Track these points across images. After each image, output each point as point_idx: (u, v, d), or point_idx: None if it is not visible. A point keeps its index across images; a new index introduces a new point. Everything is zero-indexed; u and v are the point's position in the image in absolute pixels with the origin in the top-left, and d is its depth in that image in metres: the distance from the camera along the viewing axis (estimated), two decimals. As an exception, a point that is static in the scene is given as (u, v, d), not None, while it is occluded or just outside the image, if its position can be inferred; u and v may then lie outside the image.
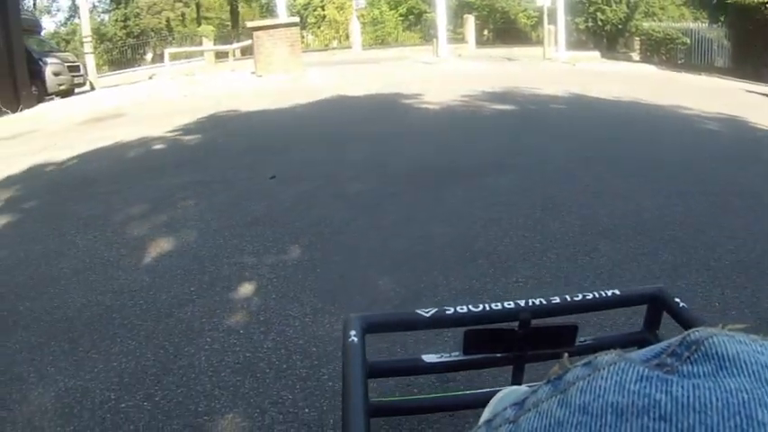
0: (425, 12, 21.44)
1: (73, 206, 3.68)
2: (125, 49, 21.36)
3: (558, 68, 13.01)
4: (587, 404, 0.25)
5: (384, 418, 1.47)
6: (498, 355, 1.19)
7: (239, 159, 4.73)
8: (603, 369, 0.26)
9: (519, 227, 2.91)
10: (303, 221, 3.07)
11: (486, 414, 0.74)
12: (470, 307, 1.17)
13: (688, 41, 15.93)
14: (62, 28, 27.39)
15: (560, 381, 0.28)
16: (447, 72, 11.62)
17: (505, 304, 1.16)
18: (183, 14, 26.40)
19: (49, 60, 11.56)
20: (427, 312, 1.17)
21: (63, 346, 2.02)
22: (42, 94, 11.21)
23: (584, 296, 1.20)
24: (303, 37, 21.57)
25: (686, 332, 0.27)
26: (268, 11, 23.16)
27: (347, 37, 21.18)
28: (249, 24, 12.71)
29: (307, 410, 1.57)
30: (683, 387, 0.23)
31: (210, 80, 11.66)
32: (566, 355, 0.31)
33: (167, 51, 14.36)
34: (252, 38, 11.53)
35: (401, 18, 22.80)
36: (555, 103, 7.66)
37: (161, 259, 2.73)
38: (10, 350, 2.01)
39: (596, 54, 16.53)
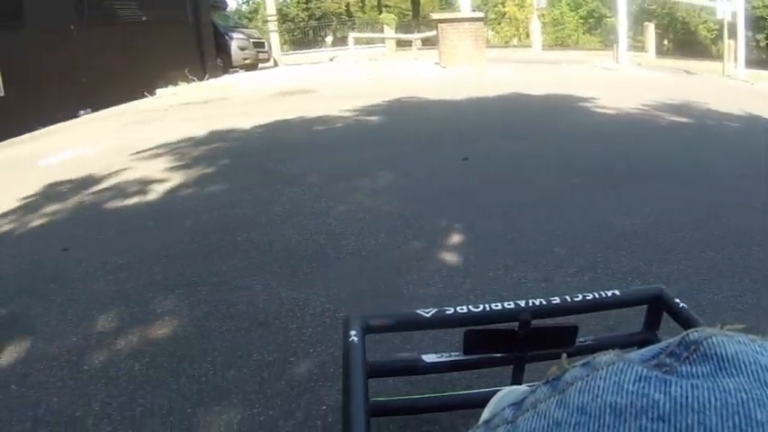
0: (606, 16, 20.58)
1: (273, 165, 4.13)
2: (307, 30, 21.78)
3: (736, 86, 11.65)
4: (586, 404, 0.25)
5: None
6: (498, 355, 1.19)
7: (428, 142, 4.86)
8: (602, 369, 0.26)
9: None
10: (493, 200, 3.28)
11: (486, 414, 0.74)
12: (470, 307, 1.17)
13: None
14: (244, 6, 28.27)
15: (559, 381, 0.28)
16: (626, 79, 11.04)
17: (505, 305, 1.16)
18: (362, 1, 26.85)
19: (234, 35, 12.35)
20: (428, 312, 1.17)
21: (283, 269, 2.40)
22: (227, 67, 12.11)
23: (584, 297, 1.20)
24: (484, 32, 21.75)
25: (685, 332, 0.27)
26: (447, 3, 23.26)
27: (527, 35, 20.65)
28: (434, 16, 12.86)
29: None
30: (681, 387, 0.23)
31: (393, 67, 11.89)
32: (564, 355, 0.31)
33: (352, 35, 14.75)
34: (436, 29, 11.66)
35: (581, 21, 22.30)
36: (729, 120, 6.92)
37: (367, 213, 3.08)
38: (233, 268, 2.43)
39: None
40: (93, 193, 3.93)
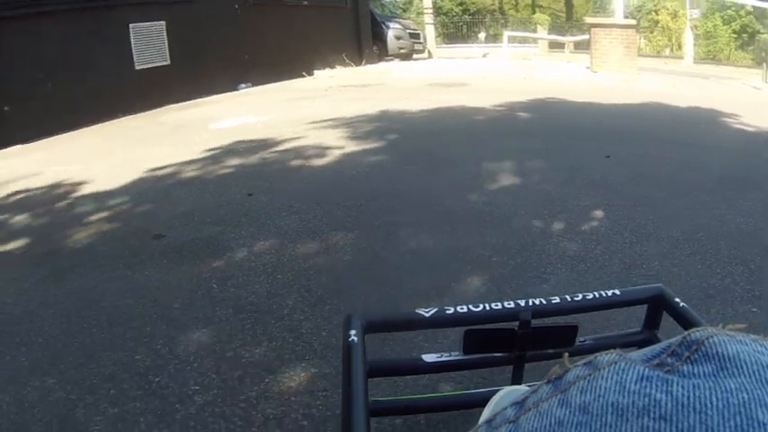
0: (759, 32, 19.42)
1: (436, 146, 4.56)
2: (460, 24, 21.81)
3: None
4: (588, 404, 0.25)
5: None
6: (498, 355, 1.19)
7: (573, 139, 5.05)
8: (604, 369, 0.26)
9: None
10: (629, 192, 3.51)
11: (486, 414, 0.74)
12: (471, 307, 1.17)
13: None
14: None
15: (561, 380, 0.28)
16: None
17: (505, 304, 1.16)
18: (516, 0, 26.48)
19: (391, 25, 12.68)
20: (427, 312, 1.17)
21: (443, 226, 2.84)
22: (383, 55, 12.48)
23: (584, 296, 1.20)
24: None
25: (686, 332, 0.27)
26: (601, 8, 22.83)
27: (679, 46, 20.17)
28: (588, 20, 12.79)
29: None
30: (683, 387, 0.23)
31: (545, 67, 11.87)
32: (566, 354, 0.30)
33: (507, 33, 14.77)
34: (589, 33, 11.61)
35: (734, 35, 21.34)
36: None
37: (515, 191, 3.46)
38: (402, 221, 2.90)
39: None
40: (272, 152, 4.49)
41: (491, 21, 22.76)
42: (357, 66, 11.09)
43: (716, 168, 4.28)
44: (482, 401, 0.81)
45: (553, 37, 17.68)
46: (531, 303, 1.16)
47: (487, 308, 1.16)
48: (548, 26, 20.69)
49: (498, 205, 3.19)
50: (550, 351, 1.14)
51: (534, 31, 19.33)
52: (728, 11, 21.35)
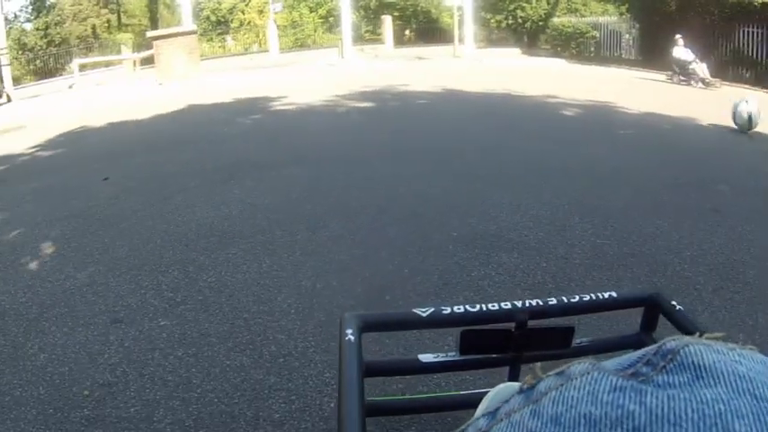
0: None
1: None
2: (47, 58, 20.04)
3: (461, 66, 13.22)
4: (560, 415, 0.24)
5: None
6: (494, 355, 1.18)
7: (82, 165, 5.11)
8: (576, 379, 0.25)
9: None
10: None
11: (480, 411, 0.74)
12: (467, 307, 1.17)
13: (597, 35, 16.11)
14: None
15: (533, 390, 0.27)
16: (341, 74, 11.89)
17: (502, 305, 1.16)
18: (108, 21, 25.31)
19: None
20: (424, 312, 1.16)
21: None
22: None
23: (580, 298, 1.20)
24: (224, 41, 21.74)
25: (662, 341, 0.27)
26: (192, 16, 22.84)
27: (267, 41, 20.61)
28: (150, 34, 13.00)
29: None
30: (657, 398, 0.23)
31: (116, 90, 11.57)
32: (537, 364, 0.30)
33: (76, 62, 14.15)
34: (153, 46, 11.87)
35: (321, 20, 22.46)
36: (421, 98, 8.14)
37: None
38: None
39: (515, 51, 16.55)
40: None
41: (83, 48, 21.09)
42: None
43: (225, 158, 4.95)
44: (477, 402, 0.81)
45: (126, 56, 16.63)
46: (527, 305, 1.16)
47: (484, 308, 1.15)
48: (132, 44, 19.71)
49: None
50: (547, 352, 1.14)
51: (119, 52, 18.26)
52: (315, -2, 21.89)
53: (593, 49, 16.16)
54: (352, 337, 1.07)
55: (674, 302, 1.18)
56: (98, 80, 14.09)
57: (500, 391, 0.73)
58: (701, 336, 0.27)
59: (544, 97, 8.18)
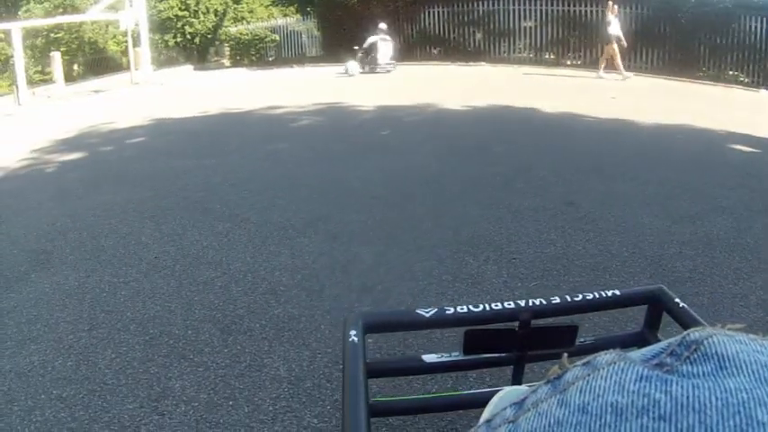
0: (11, 56, 17.23)
1: None
2: None
3: (146, 92, 12.41)
4: (587, 404, 0.25)
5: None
6: (498, 355, 1.18)
7: None
8: (603, 369, 0.26)
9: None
10: None
11: (486, 414, 0.74)
12: (470, 307, 1.17)
13: (278, 38, 16.46)
14: None
15: (560, 380, 0.28)
16: (27, 123, 9.66)
17: (506, 304, 1.16)
18: None
19: None
20: (427, 312, 1.16)
21: None
22: None
23: (584, 296, 1.20)
24: None
25: (686, 332, 0.27)
26: None
27: None
28: None
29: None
30: (682, 387, 0.23)
31: None
32: (565, 354, 0.31)
33: None
34: None
35: None
36: (134, 137, 6.95)
37: None
38: None
39: (188, 68, 16.41)
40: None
41: None
42: None
43: None
44: (482, 402, 0.81)
45: None
46: (531, 303, 1.16)
47: (487, 308, 1.15)
48: None
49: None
50: (550, 351, 1.14)
51: None
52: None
53: (273, 52, 16.57)
54: (355, 338, 1.07)
55: (677, 299, 1.18)
56: None
57: (506, 395, 0.73)
58: (723, 326, 0.28)
59: (267, 109, 8.08)
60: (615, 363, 0.26)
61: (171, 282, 2.72)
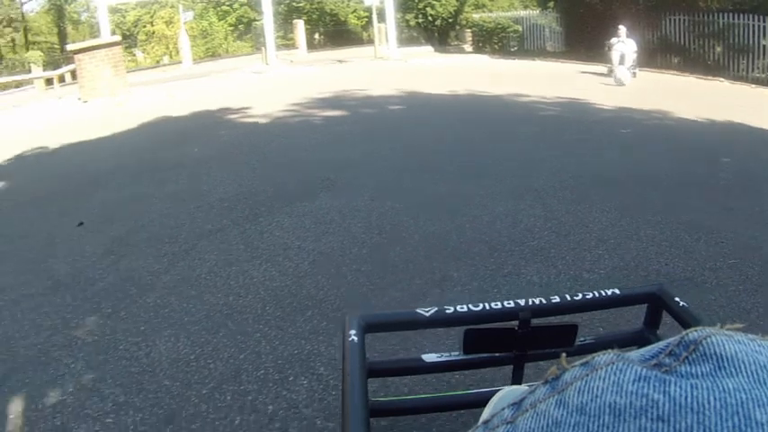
0: (255, 20, 20.46)
1: None
2: None
3: (391, 67, 13.05)
4: (585, 404, 0.25)
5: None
6: (498, 354, 1.18)
7: (43, 205, 4.22)
8: (601, 369, 0.26)
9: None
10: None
11: (485, 414, 0.74)
12: (470, 306, 1.17)
13: (520, 29, 16.25)
14: None
15: (558, 381, 0.28)
16: (277, 80, 11.48)
17: (505, 303, 1.16)
18: (13, 40, 24.26)
19: None
20: (427, 312, 1.16)
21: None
22: None
23: (583, 296, 1.20)
24: (134, 55, 20.87)
25: (684, 332, 0.27)
26: (98, 31, 21.09)
27: (177, 52, 19.78)
28: (70, 47, 11.60)
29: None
30: (680, 387, 0.23)
31: (33, 111, 10.29)
32: (563, 354, 0.30)
33: None
34: (75, 61, 10.59)
35: (231, 28, 22.19)
36: (389, 104, 7.65)
37: None
38: None
39: (429, 49, 16.61)
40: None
41: None
42: None
43: (229, 194, 3.95)
44: (482, 402, 0.81)
45: (42, 74, 15.53)
46: (530, 303, 1.16)
47: (487, 307, 1.15)
48: (42, 62, 18.62)
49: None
50: (550, 351, 1.14)
51: (29, 71, 17.11)
52: (223, 6, 21.82)
53: (515, 43, 16.30)
54: (355, 338, 1.07)
55: (677, 298, 1.18)
56: (11, 102, 12.48)
57: (506, 395, 0.73)
58: (721, 326, 0.28)
59: (514, 96, 7.96)
60: (613, 363, 0.26)
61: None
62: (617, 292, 1.21)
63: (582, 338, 1.21)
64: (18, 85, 15.99)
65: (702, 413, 0.22)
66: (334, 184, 4.00)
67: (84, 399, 1.85)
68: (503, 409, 0.29)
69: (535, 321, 1.13)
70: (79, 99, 10.54)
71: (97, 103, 9.96)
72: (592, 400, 0.24)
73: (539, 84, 9.05)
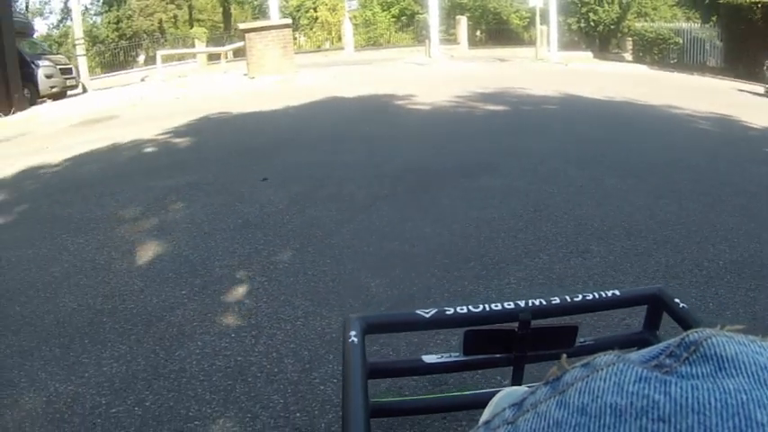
0: (418, 13, 21.45)
1: (66, 209, 3.74)
2: (117, 51, 20.84)
3: (551, 69, 13.13)
4: (586, 405, 0.25)
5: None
6: (498, 355, 1.18)
7: (229, 161, 4.82)
8: (602, 370, 0.26)
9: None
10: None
11: (486, 415, 0.74)
12: (470, 307, 1.17)
13: (680, 41, 16.06)
14: (54, 30, 26.56)
15: (559, 382, 0.28)
16: (439, 73, 11.78)
17: (505, 305, 1.16)
18: (175, 16, 26.11)
19: (41, 63, 11.40)
20: (427, 313, 1.16)
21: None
22: (35, 97, 11.08)
23: (583, 297, 1.19)
24: (296, 39, 21.42)
25: (685, 333, 0.27)
26: (260, 12, 22.65)
27: (339, 38, 21.23)
28: (241, 26, 12.55)
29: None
30: (681, 388, 0.23)
31: (202, 82, 11.45)
32: (564, 356, 0.30)
33: (159, 53, 14.12)
34: (244, 39, 11.43)
35: (393, 19, 22.83)
36: (547, 103, 7.83)
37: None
38: (1, 354, 2.06)
39: (588, 54, 16.66)
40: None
41: (150, 42, 21.51)
42: (6, 115, 9.41)
43: (397, 168, 4.33)
44: (482, 402, 0.81)
45: (210, 49, 17.07)
46: (530, 304, 1.16)
47: (487, 308, 1.15)
48: (205, 39, 20.34)
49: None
50: (550, 352, 1.14)
51: (192, 46, 18.71)
52: (386, -3, 22.34)
53: (675, 55, 16.04)
54: (355, 339, 1.07)
55: (677, 300, 1.18)
56: (178, 72, 14.22)
57: (506, 395, 0.73)
58: (722, 328, 0.28)
59: (667, 107, 7.80)
60: (614, 364, 0.26)
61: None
62: (617, 293, 1.21)
63: (582, 340, 1.20)
64: (180, 58, 17.04)
65: (703, 414, 0.22)
66: (497, 169, 4.31)
67: (276, 307, 2.28)
68: (503, 409, 0.29)
69: (535, 323, 1.13)
70: (245, 75, 11.31)
71: (265, 80, 10.68)
72: (593, 401, 0.25)
73: (693, 97, 8.93)
